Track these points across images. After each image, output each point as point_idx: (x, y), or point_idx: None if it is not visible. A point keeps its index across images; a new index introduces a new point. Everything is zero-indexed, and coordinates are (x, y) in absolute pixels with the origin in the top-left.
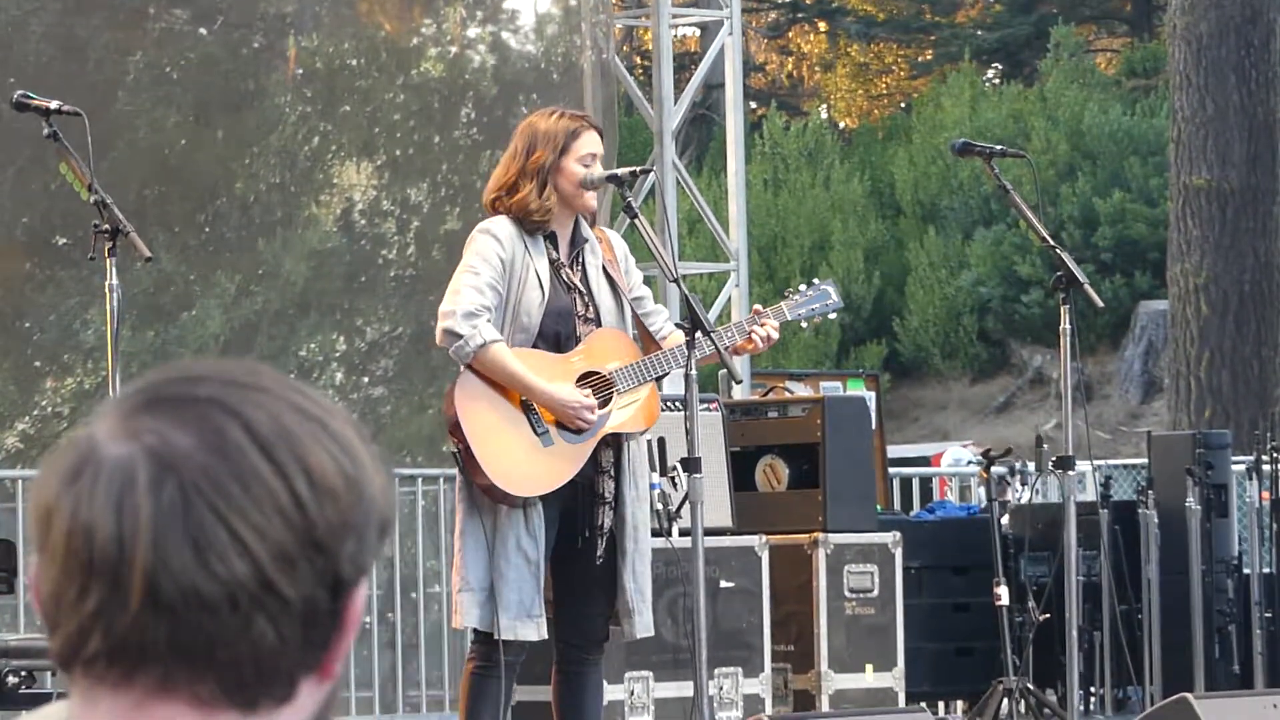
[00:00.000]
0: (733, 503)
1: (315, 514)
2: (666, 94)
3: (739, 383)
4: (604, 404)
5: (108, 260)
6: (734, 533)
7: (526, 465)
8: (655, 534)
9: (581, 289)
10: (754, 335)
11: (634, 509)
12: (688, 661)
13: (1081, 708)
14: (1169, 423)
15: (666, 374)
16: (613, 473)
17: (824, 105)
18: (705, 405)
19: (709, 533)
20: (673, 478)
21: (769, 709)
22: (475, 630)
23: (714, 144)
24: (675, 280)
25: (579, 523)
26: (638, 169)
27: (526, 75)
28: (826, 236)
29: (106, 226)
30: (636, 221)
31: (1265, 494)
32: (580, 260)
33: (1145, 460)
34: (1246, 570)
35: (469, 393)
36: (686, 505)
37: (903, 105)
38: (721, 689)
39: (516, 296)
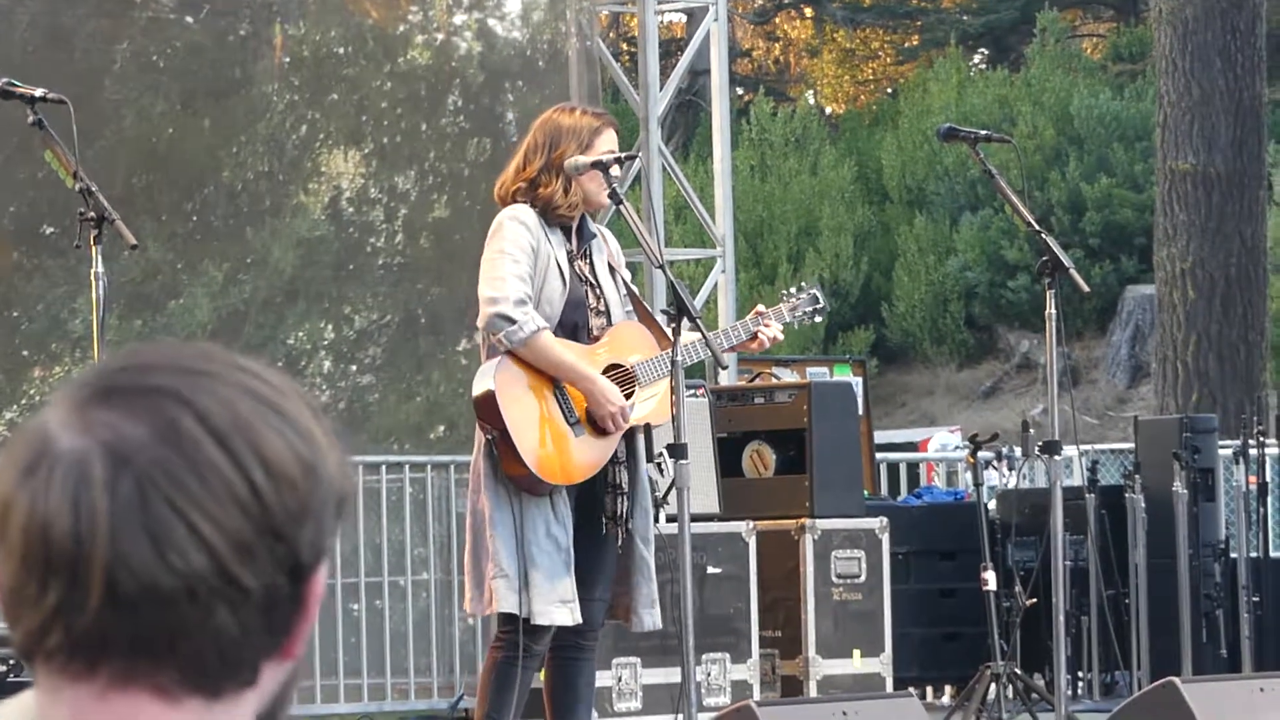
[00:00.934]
0: (720, 489)
1: (273, 503)
2: (652, 80)
3: (725, 368)
4: (628, 396)
5: (93, 248)
6: (721, 519)
7: (560, 455)
8: None
9: (593, 282)
10: (760, 335)
11: (646, 497)
12: (675, 648)
13: (1069, 692)
14: (1156, 407)
15: (688, 365)
16: (626, 463)
17: (810, 91)
18: (692, 391)
19: (696, 519)
20: (659, 464)
21: (757, 694)
22: (504, 617)
23: (700, 130)
24: (661, 266)
25: (597, 512)
26: (624, 155)
27: (513, 62)
28: (813, 222)
29: (91, 214)
30: (622, 208)
31: (1252, 478)
32: (588, 254)
33: (1132, 445)
34: (1234, 554)
35: (509, 380)
36: (673, 491)
37: (889, 91)
38: (709, 675)
39: (539, 285)
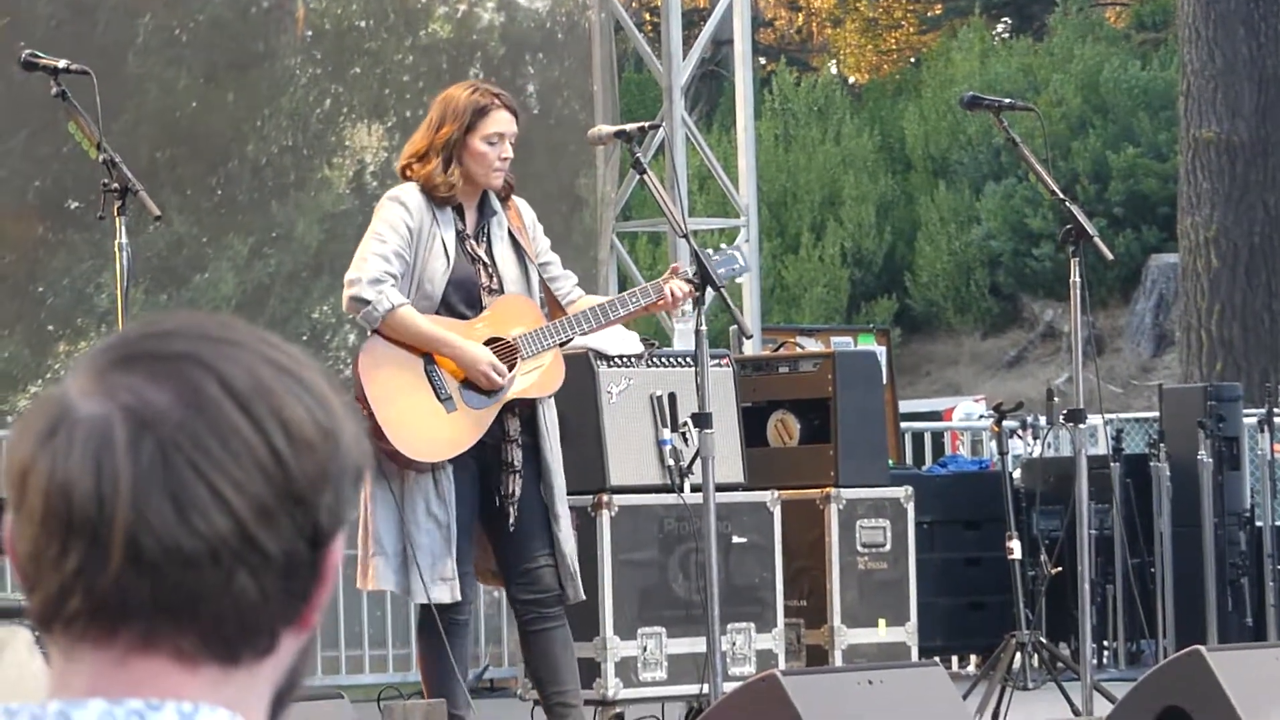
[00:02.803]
0: (744, 458)
1: (294, 467)
2: (675, 50)
3: (749, 338)
4: (508, 369)
5: (117, 219)
6: (746, 488)
7: (429, 430)
8: (667, 490)
9: (486, 260)
10: (669, 290)
11: (558, 474)
12: (700, 617)
13: (1094, 661)
14: (1180, 376)
15: (570, 339)
16: (519, 440)
17: (833, 61)
18: (716, 361)
19: (720, 488)
20: (684, 433)
21: (782, 664)
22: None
23: (723, 100)
24: (685, 236)
25: (493, 490)
26: (647, 125)
27: (533, 34)
28: (836, 192)
29: (116, 185)
30: (645, 177)
31: (1277, 446)
32: (486, 233)
33: (1157, 413)
34: (1259, 523)
35: (372, 359)
36: (698, 461)
37: (912, 60)
38: (734, 645)
39: (421, 264)
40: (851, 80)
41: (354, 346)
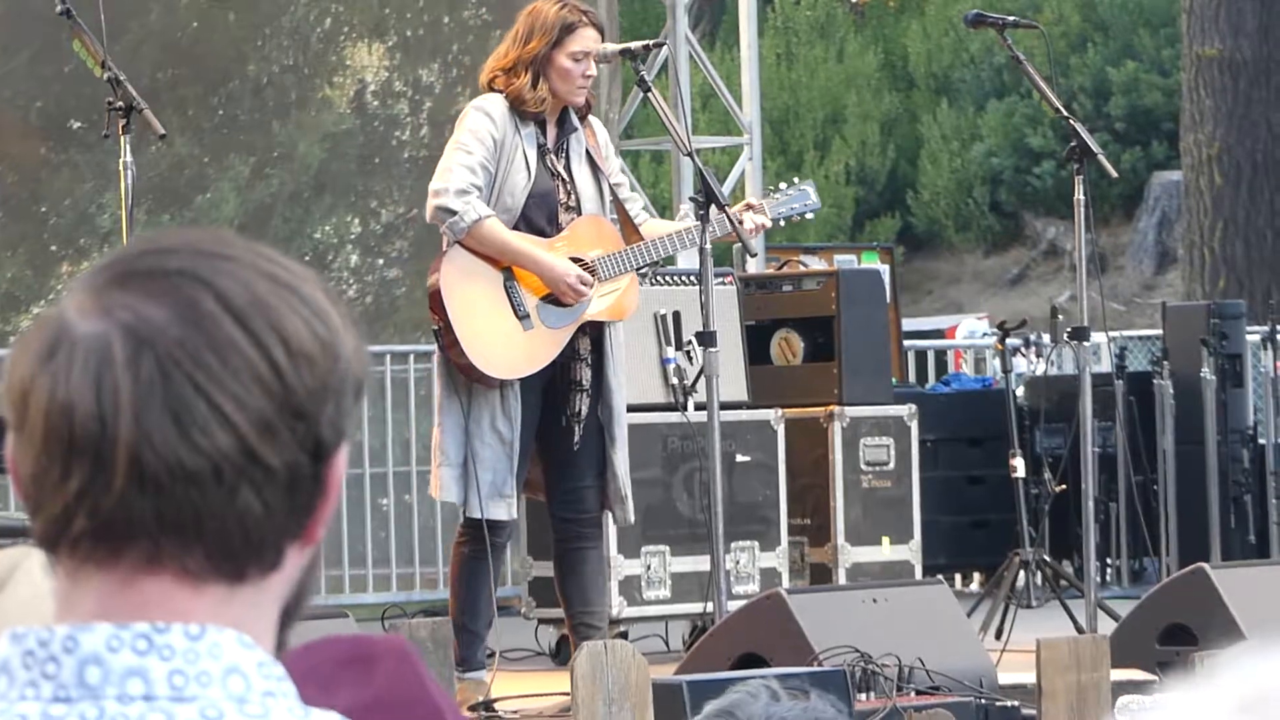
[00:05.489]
0: (748, 376)
1: (293, 381)
2: None
3: (753, 256)
4: None
5: (122, 138)
6: (749, 406)
7: (505, 347)
8: (671, 408)
9: (565, 177)
10: (748, 220)
11: (618, 397)
12: (704, 536)
13: (1098, 579)
14: (1183, 293)
15: (648, 265)
16: (589, 360)
17: None
18: (720, 279)
19: (724, 407)
20: (688, 352)
21: (786, 582)
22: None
23: (726, 18)
24: (689, 154)
25: (558, 408)
26: (650, 42)
27: None
28: (839, 110)
29: (120, 104)
30: (650, 95)
31: None
32: (565, 149)
33: (1160, 331)
34: (1261, 440)
35: (455, 270)
36: (702, 379)
37: None
38: (738, 563)
39: (503, 176)
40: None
41: (356, 267)
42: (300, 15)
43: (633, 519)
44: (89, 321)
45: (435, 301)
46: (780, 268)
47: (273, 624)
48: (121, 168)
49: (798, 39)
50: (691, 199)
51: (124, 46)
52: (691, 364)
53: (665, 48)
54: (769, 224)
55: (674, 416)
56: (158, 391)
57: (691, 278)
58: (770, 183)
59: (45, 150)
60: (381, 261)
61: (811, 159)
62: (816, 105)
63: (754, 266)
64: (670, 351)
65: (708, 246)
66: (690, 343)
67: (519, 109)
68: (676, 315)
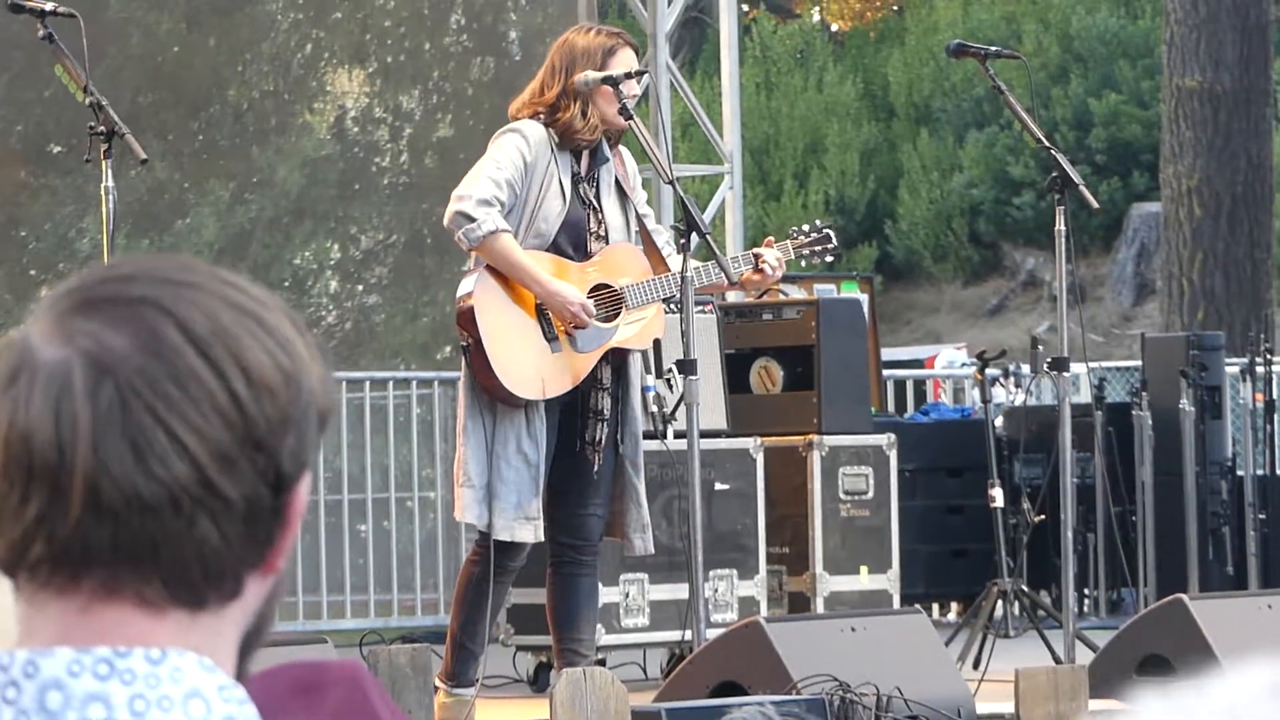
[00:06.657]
0: (728, 405)
1: (254, 412)
2: None
3: (735, 283)
4: (612, 317)
5: (103, 162)
6: (729, 435)
7: (533, 369)
8: (650, 436)
9: (596, 206)
10: (763, 265)
11: (640, 425)
12: (683, 564)
13: (1076, 609)
14: (1162, 325)
15: (675, 296)
16: (609, 388)
17: (816, 7)
18: (700, 307)
19: (704, 435)
20: (668, 380)
21: (764, 611)
22: (479, 531)
23: (707, 47)
24: (670, 182)
25: (576, 434)
26: (633, 71)
27: None
28: (819, 139)
29: (102, 128)
30: (631, 124)
31: (1259, 395)
32: (596, 178)
33: (1139, 362)
34: (1240, 472)
35: (488, 290)
36: (682, 407)
37: (895, 8)
38: (716, 591)
39: (538, 202)
40: (835, 28)
41: (335, 293)
42: (281, 41)
43: (653, 548)
44: (51, 348)
45: (466, 318)
46: (760, 297)
47: (234, 651)
48: (103, 192)
49: (777, 68)
50: (673, 227)
51: (105, 71)
52: (671, 392)
53: (646, 76)
54: (782, 269)
55: (653, 444)
56: (116, 420)
57: (672, 305)
58: (749, 212)
59: (25, 174)
60: (361, 288)
61: (791, 188)
62: (796, 134)
63: (734, 295)
64: (650, 379)
65: (689, 274)
66: (670, 371)
67: (570, 139)
68: (657, 343)
